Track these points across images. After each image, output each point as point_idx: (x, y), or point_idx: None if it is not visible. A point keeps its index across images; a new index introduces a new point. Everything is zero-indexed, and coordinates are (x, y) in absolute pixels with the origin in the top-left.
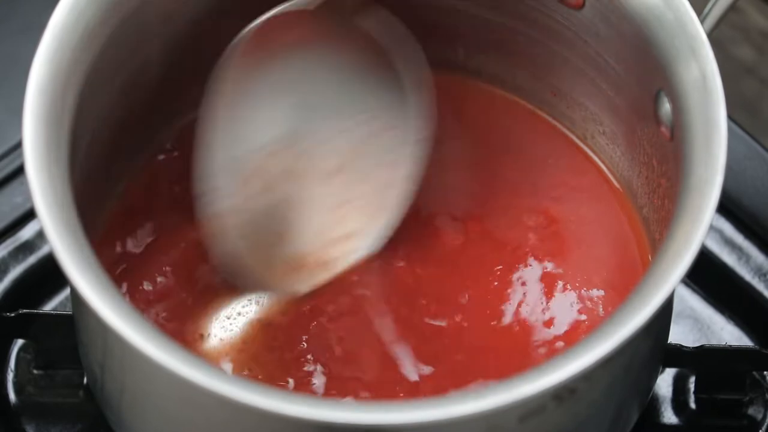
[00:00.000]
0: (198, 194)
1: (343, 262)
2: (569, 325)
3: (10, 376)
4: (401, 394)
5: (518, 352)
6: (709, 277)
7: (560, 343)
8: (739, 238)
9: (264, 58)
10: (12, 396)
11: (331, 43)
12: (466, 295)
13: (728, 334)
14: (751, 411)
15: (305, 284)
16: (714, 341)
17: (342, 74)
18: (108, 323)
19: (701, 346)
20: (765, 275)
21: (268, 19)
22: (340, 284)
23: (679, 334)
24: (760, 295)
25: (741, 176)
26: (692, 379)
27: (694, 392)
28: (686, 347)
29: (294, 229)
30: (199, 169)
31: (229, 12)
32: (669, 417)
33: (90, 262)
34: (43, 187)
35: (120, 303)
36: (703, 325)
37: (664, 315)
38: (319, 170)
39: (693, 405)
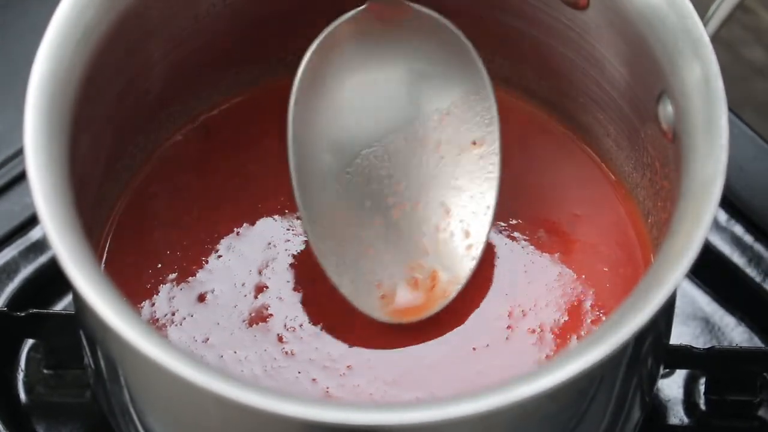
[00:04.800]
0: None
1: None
2: (570, 328)
3: (21, 375)
4: None
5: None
6: (719, 278)
7: (556, 348)
8: (749, 240)
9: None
10: (22, 395)
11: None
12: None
13: (739, 335)
14: (761, 412)
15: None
16: (724, 343)
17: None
18: (106, 322)
19: (712, 347)
20: None
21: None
22: None
23: (689, 336)
24: None
25: (752, 177)
26: (703, 381)
27: (705, 394)
28: (696, 349)
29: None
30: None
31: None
32: (679, 418)
33: (84, 253)
34: (42, 177)
35: (118, 302)
36: (714, 327)
37: (665, 316)
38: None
39: (703, 406)
